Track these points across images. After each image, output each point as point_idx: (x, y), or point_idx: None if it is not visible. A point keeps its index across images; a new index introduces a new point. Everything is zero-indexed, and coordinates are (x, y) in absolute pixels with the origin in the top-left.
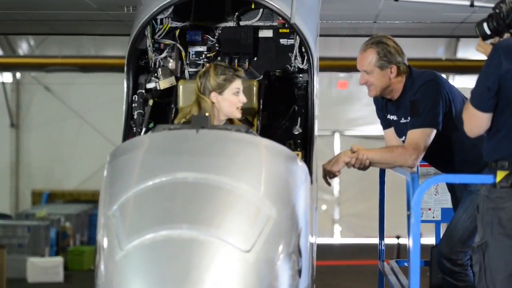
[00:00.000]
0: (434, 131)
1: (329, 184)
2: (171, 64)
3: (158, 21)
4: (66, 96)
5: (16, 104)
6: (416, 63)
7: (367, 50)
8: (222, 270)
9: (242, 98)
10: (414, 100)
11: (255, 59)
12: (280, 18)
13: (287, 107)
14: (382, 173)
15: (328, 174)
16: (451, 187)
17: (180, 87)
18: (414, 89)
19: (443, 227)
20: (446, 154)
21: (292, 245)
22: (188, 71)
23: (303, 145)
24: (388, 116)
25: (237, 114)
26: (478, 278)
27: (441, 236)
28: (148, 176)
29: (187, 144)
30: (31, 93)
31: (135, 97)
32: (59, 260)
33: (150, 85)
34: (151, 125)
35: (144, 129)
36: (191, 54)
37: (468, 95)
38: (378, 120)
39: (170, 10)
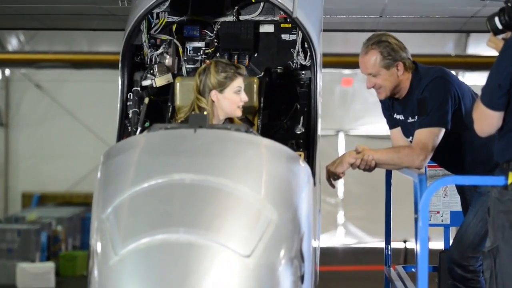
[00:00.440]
0: (443, 131)
1: (333, 186)
2: (168, 61)
3: (154, 15)
4: (58, 94)
5: (5, 102)
6: (424, 59)
7: (369, 52)
8: (221, 276)
9: (244, 97)
10: (422, 98)
11: (256, 55)
12: (282, 12)
13: (289, 105)
14: (388, 175)
15: (332, 176)
16: (461, 189)
17: (177, 85)
18: (421, 87)
19: (452, 231)
20: (455, 153)
21: (294, 249)
22: (186, 68)
23: (306, 145)
24: (395, 116)
25: (238, 113)
26: (489, 285)
27: (450, 241)
28: (143, 177)
29: (184, 144)
30: (21, 90)
31: (130, 95)
32: (50, 265)
33: (145, 83)
34: (147, 124)
35: (139, 129)
36: (188, 50)
37: (478, 92)
38: (385, 119)
39: (167, 3)
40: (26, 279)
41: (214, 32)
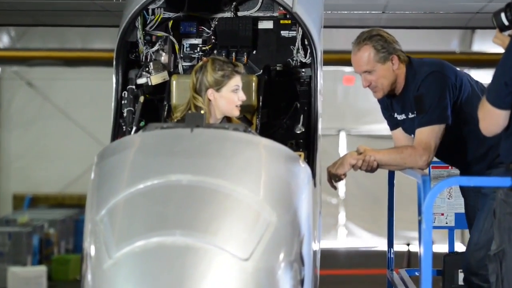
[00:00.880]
0: (444, 126)
1: (334, 187)
2: (164, 58)
3: (150, 11)
4: (51, 92)
5: None
6: (428, 56)
7: (362, 48)
8: (219, 280)
9: (242, 96)
10: (419, 95)
11: (254, 52)
12: (281, 8)
13: (289, 104)
14: (391, 176)
15: (333, 177)
16: (462, 188)
17: (173, 83)
18: (417, 83)
19: (457, 234)
20: (459, 147)
21: (294, 252)
22: (182, 66)
23: (306, 145)
24: (395, 116)
25: (236, 113)
26: None
27: (455, 244)
28: (139, 178)
29: (181, 144)
30: (13, 89)
31: (124, 93)
32: (42, 269)
33: (141, 81)
34: (142, 123)
35: (134, 128)
36: (185, 47)
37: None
38: None
39: None
40: (18, 283)
41: (212, 28)
